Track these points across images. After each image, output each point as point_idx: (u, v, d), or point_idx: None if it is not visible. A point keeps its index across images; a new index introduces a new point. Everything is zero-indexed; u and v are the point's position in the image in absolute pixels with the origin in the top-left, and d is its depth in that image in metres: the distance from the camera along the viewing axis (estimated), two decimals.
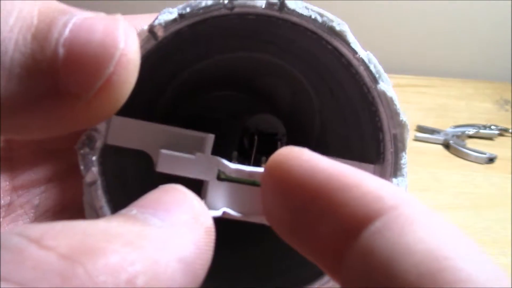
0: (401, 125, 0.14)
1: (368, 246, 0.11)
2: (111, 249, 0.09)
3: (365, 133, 0.14)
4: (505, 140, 0.70)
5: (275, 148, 0.13)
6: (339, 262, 0.11)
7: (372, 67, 0.14)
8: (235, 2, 0.13)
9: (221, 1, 0.13)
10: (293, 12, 0.13)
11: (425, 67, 0.84)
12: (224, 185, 0.12)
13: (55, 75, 0.11)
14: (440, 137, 0.68)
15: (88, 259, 0.09)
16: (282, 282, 0.15)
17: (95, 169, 0.13)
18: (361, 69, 0.14)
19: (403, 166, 0.14)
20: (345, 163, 0.12)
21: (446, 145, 0.67)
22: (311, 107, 0.17)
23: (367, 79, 0.14)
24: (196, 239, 0.11)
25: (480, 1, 0.79)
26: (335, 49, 0.14)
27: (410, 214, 0.12)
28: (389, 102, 0.14)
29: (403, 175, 0.14)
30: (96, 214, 0.13)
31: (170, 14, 0.13)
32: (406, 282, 0.10)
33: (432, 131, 0.69)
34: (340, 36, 0.14)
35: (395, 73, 0.82)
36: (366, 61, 0.14)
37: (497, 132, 0.70)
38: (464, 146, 0.66)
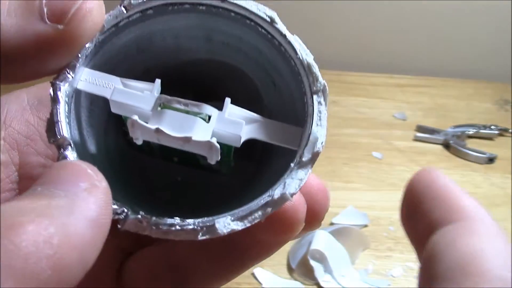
0: (321, 84, 0.17)
1: (435, 239, 0.14)
2: (27, 221, 0.12)
3: (296, 103, 0.18)
4: (505, 140, 0.70)
5: None
6: (421, 250, 0.15)
7: (296, 44, 0.17)
8: None
9: None
10: (233, 2, 0.17)
11: (425, 67, 0.84)
12: (163, 112, 0.16)
13: (41, 10, 0.16)
14: (440, 137, 0.68)
15: (11, 233, 0.12)
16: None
17: (60, 94, 0.16)
18: (287, 46, 0.17)
19: (323, 118, 0.17)
20: (277, 125, 0.16)
21: (446, 145, 0.67)
22: (262, 104, 0.20)
23: (292, 53, 0.17)
24: (96, 200, 0.14)
25: (480, 1, 0.79)
26: (268, 32, 0.17)
27: (475, 225, 0.16)
28: (310, 67, 0.17)
29: (322, 126, 0.17)
30: (54, 128, 0.16)
31: None
32: (440, 273, 0.13)
33: (432, 131, 0.69)
34: (270, 20, 0.17)
35: (395, 73, 0.82)
36: (291, 39, 0.17)
37: (497, 132, 0.70)
38: (464, 146, 0.66)
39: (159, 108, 0.16)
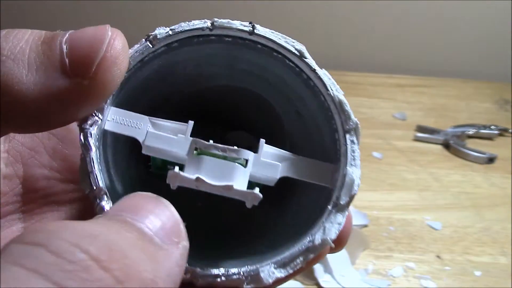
0: (353, 123, 0.17)
1: None
2: (132, 259, 0.12)
3: (325, 137, 0.17)
4: (505, 140, 0.70)
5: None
6: None
7: (326, 79, 0.17)
8: (216, 24, 0.16)
9: (205, 23, 0.16)
10: (261, 35, 0.16)
11: (425, 67, 0.84)
12: (200, 159, 0.16)
13: (63, 64, 0.15)
14: (440, 137, 0.68)
15: (116, 265, 0.12)
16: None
17: (91, 140, 0.16)
18: (317, 81, 0.17)
19: (356, 158, 0.16)
20: (309, 162, 0.16)
21: (446, 145, 0.67)
22: (282, 132, 0.20)
23: (322, 88, 0.17)
24: (182, 258, 0.14)
25: (480, 1, 0.79)
26: (296, 66, 0.17)
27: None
28: (341, 105, 0.17)
29: (357, 166, 0.16)
30: (88, 179, 0.15)
31: (163, 29, 0.17)
32: None
33: (432, 131, 0.69)
34: (300, 54, 0.16)
35: (395, 73, 0.82)
36: (321, 74, 0.17)
37: (497, 132, 0.70)
38: (464, 146, 0.66)
39: (194, 152, 0.16)
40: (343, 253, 0.49)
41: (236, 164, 0.16)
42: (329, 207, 0.16)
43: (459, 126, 0.70)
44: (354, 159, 0.16)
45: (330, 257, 0.48)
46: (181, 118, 0.17)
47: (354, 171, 0.16)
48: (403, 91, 0.79)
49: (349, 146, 0.17)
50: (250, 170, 0.16)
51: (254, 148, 0.17)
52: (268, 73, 0.18)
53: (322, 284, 0.47)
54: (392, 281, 0.48)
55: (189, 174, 0.15)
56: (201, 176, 0.15)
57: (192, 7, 0.82)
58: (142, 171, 0.19)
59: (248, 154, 0.16)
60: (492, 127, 0.70)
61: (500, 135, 0.70)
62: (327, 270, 0.48)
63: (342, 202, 0.16)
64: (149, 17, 0.83)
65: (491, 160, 0.64)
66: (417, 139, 0.68)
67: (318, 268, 0.48)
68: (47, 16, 0.84)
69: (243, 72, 0.19)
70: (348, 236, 0.19)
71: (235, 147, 0.16)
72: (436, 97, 0.78)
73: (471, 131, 0.69)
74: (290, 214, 0.19)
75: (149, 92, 0.19)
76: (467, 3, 0.79)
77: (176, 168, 0.15)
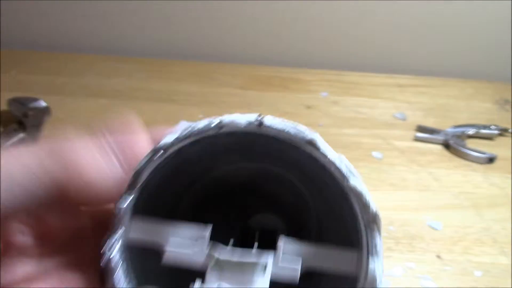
0: (372, 214, 0.17)
1: None
2: None
3: (348, 224, 0.17)
4: (505, 140, 0.70)
5: (274, 242, 0.16)
6: None
7: (343, 167, 0.16)
8: (222, 124, 0.16)
9: (212, 124, 0.16)
10: (270, 127, 0.16)
11: (425, 67, 0.84)
12: (220, 265, 0.16)
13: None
14: (440, 137, 0.68)
15: None
16: None
17: (115, 263, 0.16)
18: (333, 169, 0.16)
19: (379, 249, 0.16)
20: (331, 251, 0.16)
21: (446, 145, 0.67)
22: (307, 207, 0.20)
23: (339, 177, 0.16)
24: None
25: (480, 1, 0.79)
26: (310, 154, 0.16)
27: None
28: (360, 196, 0.16)
29: (378, 256, 0.16)
30: None
31: (171, 136, 0.16)
32: None
33: (432, 131, 0.69)
34: (311, 143, 0.16)
35: (395, 73, 0.82)
36: (337, 162, 0.16)
37: (497, 132, 0.70)
38: (464, 146, 0.66)
39: (215, 257, 0.16)
40: None
41: (256, 269, 0.16)
42: None
43: (459, 126, 0.70)
44: (376, 253, 0.16)
45: None
46: (206, 204, 0.18)
47: (377, 267, 0.16)
48: (403, 91, 0.79)
49: (370, 238, 0.16)
50: (269, 274, 0.16)
51: (280, 230, 0.18)
52: (285, 155, 0.18)
53: None
54: (392, 281, 0.48)
55: (211, 283, 0.16)
56: (222, 285, 0.15)
57: (191, 6, 0.82)
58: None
59: (267, 257, 0.16)
60: (492, 127, 0.70)
61: (500, 135, 0.70)
62: None
63: None
64: (149, 18, 0.83)
65: (491, 160, 0.64)
66: (417, 139, 0.68)
67: None
68: (47, 16, 0.84)
69: (261, 154, 0.19)
70: None
71: (254, 251, 0.16)
72: (436, 97, 0.78)
73: (471, 131, 0.69)
74: None
75: (169, 189, 0.19)
76: (467, 3, 0.79)
77: (197, 283, 0.15)
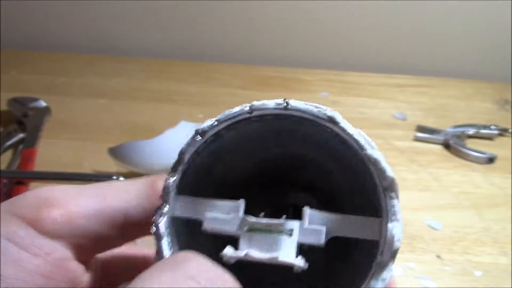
0: (389, 179, 0.18)
1: None
2: None
3: (370, 192, 0.19)
4: (505, 140, 0.70)
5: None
6: None
7: (361, 139, 0.18)
8: (253, 107, 0.19)
9: (244, 108, 0.19)
10: (295, 108, 0.18)
11: (425, 67, 0.84)
12: (251, 235, 0.18)
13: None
14: (440, 137, 0.68)
15: None
16: None
17: (161, 230, 0.18)
18: (352, 141, 0.18)
19: (397, 212, 0.18)
20: (353, 219, 0.18)
21: (446, 145, 0.67)
22: (334, 182, 0.22)
23: (357, 147, 0.18)
24: None
25: (480, 1, 0.79)
26: (332, 130, 0.18)
27: None
28: (376, 163, 0.18)
29: (397, 220, 0.17)
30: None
31: (210, 121, 0.19)
32: None
33: (432, 131, 0.69)
34: (332, 119, 0.18)
35: (395, 73, 0.82)
36: (355, 134, 0.18)
37: (497, 132, 0.70)
38: (464, 146, 0.66)
39: (245, 228, 0.18)
40: None
41: (282, 236, 0.18)
42: (374, 263, 0.17)
43: (459, 126, 0.70)
44: (394, 214, 0.18)
45: None
46: (245, 186, 0.20)
47: (395, 226, 0.17)
48: (403, 91, 0.79)
49: (388, 202, 0.18)
50: (296, 238, 0.18)
51: (313, 205, 0.19)
52: (310, 137, 0.20)
53: None
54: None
55: (241, 249, 0.18)
56: (249, 251, 0.17)
57: (191, 7, 0.82)
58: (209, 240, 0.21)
59: (292, 225, 0.18)
60: (492, 127, 0.70)
61: (500, 135, 0.70)
62: None
63: (385, 258, 0.17)
64: (149, 18, 0.83)
65: (491, 160, 0.64)
66: (417, 139, 0.68)
67: None
68: (47, 16, 0.84)
69: (289, 139, 0.21)
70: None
71: (280, 220, 0.18)
72: (436, 97, 0.78)
73: (471, 131, 0.69)
74: (343, 268, 0.20)
75: (209, 171, 0.21)
76: (468, 3, 0.79)
77: (227, 249, 0.18)
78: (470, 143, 0.68)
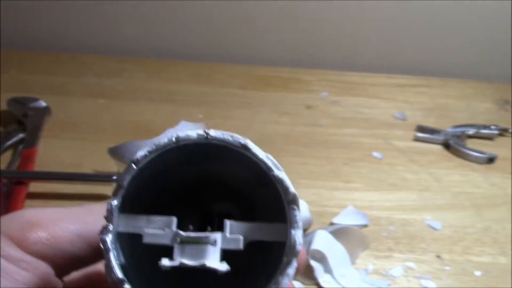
0: (291, 195, 0.22)
1: None
2: None
3: (278, 204, 0.22)
4: (505, 140, 0.70)
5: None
6: None
7: (268, 162, 0.22)
8: (179, 139, 0.22)
9: (171, 140, 0.22)
10: (214, 137, 0.22)
11: (425, 67, 0.84)
12: (183, 246, 0.22)
13: None
14: (440, 137, 0.68)
15: None
16: None
17: (108, 244, 0.21)
18: (262, 164, 0.22)
19: (298, 221, 0.22)
20: (265, 226, 0.22)
21: (446, 145, 0.67)
22: (252, 194, 0.27)
23: (266, 169, 0.22)
24: None
25: (480, 1, 0.79)
26: (246, 155, 0.22)
27: None
28: (281, 182, 0.22)
29: (299, 227, 0.22)
30: (111, 273, 0.21)
31: (143, 152, 0.22)
32: None
33: (432, 131, 0.69)
34: (245, 146, 0.22)
35: (395, 73, 0.82)
36: (264, 158, 0.22)
37: (497, 132, 0.70)
38: (464, 146, 0.66)
39: (178, 240, 0.22)
40: (343, 253, 0.49)
41: (208, 246, 0.22)
42: (281, 262, 0.21)
43: (459, 126, 0.70)
44: (295, 222, 0.22)
45: (330, 257, 0.48)
46: (175, 200, 0.25)
47: (296, 233, 0.21)
48: (403, 91, 0.79)
49: (291, 212, 0.22)
50: (219, 247, 0.22)
51: (234, 214, 0.24)
52: (230, 157, 0.23)
53: (322, 284, 0.47)
54: (392, 281, 0.48)
55: (176, 258, 0.22)
56: (182, 260, 0.22)
57: (191, 6, 0.82)
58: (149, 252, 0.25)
59: (216, 236, 0.22)
60: (492, 127, 0.70)
61: (500, 135, 0.70)
62: (327, 270, 0.48)
63: (289, 257, 0.21)
64: (149, 18, 0.83)
65: (491, 160, 0.64)
66: (417, 139, 0.68)
67: (318, 268, 0.48)
68: (47, 16, 0.84)
69: (213, 160, 0.25)
70: (305, 265, 0.24)
71: (206, 233, 0.22)
72: (436, 97, 0.78)
73: (471, 131, 0.69)
74: (258, 270, 0.24)
75: (144, 191, 0.24)
76: (467, 4, 0.79)
77: (164, 260, 0.21)
78: (470, 143, 0.68)
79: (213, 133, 0.23)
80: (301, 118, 0.71)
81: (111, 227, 0.22)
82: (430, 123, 0.71)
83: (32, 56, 0.82)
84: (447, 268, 0.50)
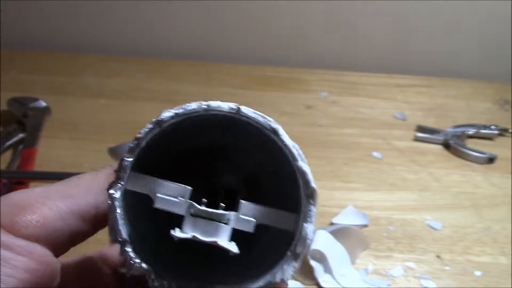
0: (311, 189, 0.21)
1: None
2: None
3: (293, 193, 0.22)
4: (505, 140, 0.70)
5: (235, 199, 0.23)
6: None
7: (295, 151, 0.21)
8: (210, 107, 0.21)
9: (201, 107, 0.21)
10: (245, 114, 0.22)
11: (425, 67, 0.84)
12: (195, 220, 0.21)
13: None
14: (440, 137, 0.68)
15: None
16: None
17: (116, 202, 0.21)
18: (287, 152, 0.21)
19: (312, 216, 0.21)
20: (277, 212, 0.22)
21: (446, 145, 0.67)
22: (265, 174, 0.26)
23: (290, 158, 0.21)
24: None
25: (480, 1, 0.79)
26: (272, 138, 0.22)
27: None
28: (304, 174, 0.21)
29: (311, 222, 0.21)
30: (114, 232, 0.21)
31: (169, 112, 0.21)
32: None
33: (432, 131, 0.69)
34: (274, 131, 0.21)
35: (395, 73, 0.82)
36: (290, 147, 0.21)
37: (497, 132, 0.70)
38: (464, 146, 0.66)
39: (191, 211, 0.22)
40: (343, 253, 0.49)
41: (221, 224, 0.22)
42: (288, 253, 0.21)
43: (459, 126, 0.70)
44: (310, 217, 0.21)
45: (330, 257, 0.48)
46: (189, 167, 0.24)
47: (308, 227, 0.21)
48: (403, 91, 0.79)
49: (308, 206, 0.21)
50: (231, 226, 0.22)
51: (242, 192, 0.24)
52: (253, 137, 0.23)
53: (322, 284, 0.47)
54: (392, 281, 0.48)
55: (187, 231, 0.21)
56: (195, 234, 0.21)
57: (191, 6, 0.82)
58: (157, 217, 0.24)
59: (230, 216, 0.22)
60: (492, 127, 0.70)
61: (500, 135, 0.70)
62: (327, 270, 0.48)
63: (298, 251, 0.21)
64: (149, 18, 0.83)
65: (491, 160, 0.64)
66: (417, 139, 0.68)
67: (318, 268, 0.48)
68: (47, 16, 0.84)
69: (236, 133, 0.24)
70: None
71: (221, 212, 0.22)
72: (436, 97, 0.78)
73: (471, 131, 0.69)
74: (259, 255, 0.24)
75: (162, 154, 0.24)
76: (467, 3, 0.79)
77: (176, 230, 0.21)
78: (470, 143, 0.68)
79: (244, 109, 0.22)
80: (301, 118, 0.71)
81: (121, 182, 0.21)
82: (430, 123, 0.71)
83: (32, 56, 0.82)
84: (447, 268, 0.50)
